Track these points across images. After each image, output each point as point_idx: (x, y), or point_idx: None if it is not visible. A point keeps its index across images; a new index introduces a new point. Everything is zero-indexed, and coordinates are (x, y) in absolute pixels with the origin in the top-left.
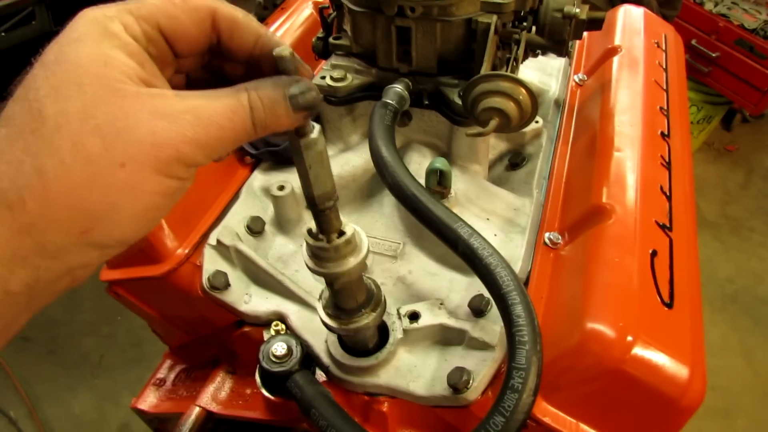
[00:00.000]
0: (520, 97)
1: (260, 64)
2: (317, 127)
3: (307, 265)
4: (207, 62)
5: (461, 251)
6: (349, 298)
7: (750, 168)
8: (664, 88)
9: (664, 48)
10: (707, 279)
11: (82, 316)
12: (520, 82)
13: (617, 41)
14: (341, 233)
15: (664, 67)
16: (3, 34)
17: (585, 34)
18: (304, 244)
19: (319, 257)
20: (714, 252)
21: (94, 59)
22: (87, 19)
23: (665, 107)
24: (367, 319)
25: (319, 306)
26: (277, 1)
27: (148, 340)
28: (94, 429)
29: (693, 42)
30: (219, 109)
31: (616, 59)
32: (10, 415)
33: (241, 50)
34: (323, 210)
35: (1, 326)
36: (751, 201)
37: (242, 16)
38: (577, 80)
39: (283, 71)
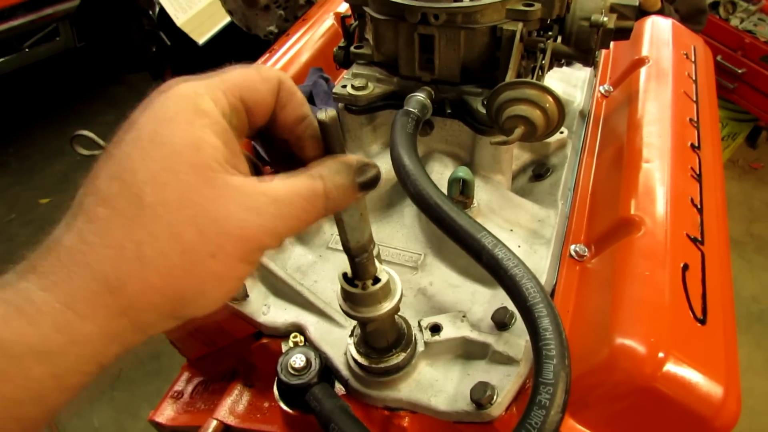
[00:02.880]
0: (547, 105)
1: (300, 145)
2: None
3: (340, 307)
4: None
5: (485, 262)
6: (380, 338)
7: None
8: (694, 99)
9: (693, 59)
10: None
11: None
12: (547, 90)
13: (645, 52)
14: (376, 280)
15: (694, 78)
16: (27, 49)
17: (611, 44)
18: (338, 287)
19: (354, 301)
20: (739, 271)
21: (187, 143)
22: (178, 95)
23: (695, 119)
24: (396, 360)
25: (351, 343)
26: (298, 13)
27: (167, 353)
28: None
29: (718, 58)
30: (298, 202)
31: (643, 70)
32: None
33: (287, 125)
34: (361, 259)
35: (84, 387)
36: None
37: (299, 93)
38: (602, 91)
39: (326, 137)
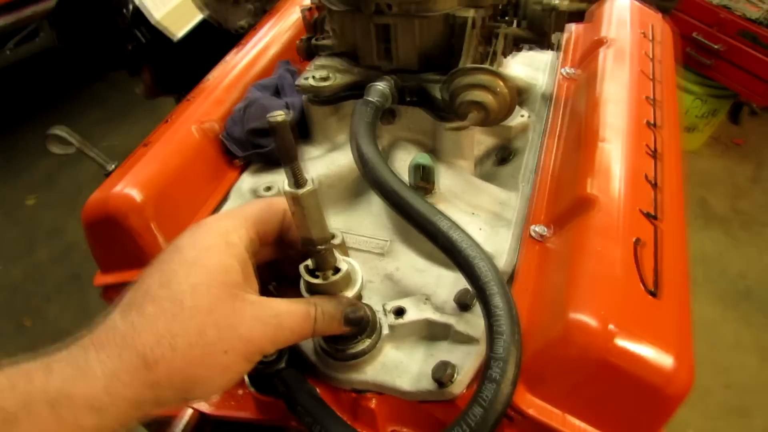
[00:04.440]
0: (498, 89)
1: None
2: (312, 177)
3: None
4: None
5: (441, 244)
6: None
7: (759, 161)
8: (651, 78)
9: (650, 38)
10: (718, 275)
11: None
12: (498, 74)
13: (604, 33)
14: (336, 270)
15: (651, 57)
16: (8, 52)
17: (573, 27)
18: (301, 279)
19: (316, 291)
20: (725, 247)
21: (220, 268)
22: (216, 231)
23: (652, 96)
24: (362, 346)
25: None
26: (267, 7)
27: None
28: None
29: (695, 35)
30: (294, 318)
31: (602, 51)
32: None
33: (295, 239)
34: (320, 251)
35: None
36: (762, 195)
37: None
38: (565, 73)
39: (276, 139)
